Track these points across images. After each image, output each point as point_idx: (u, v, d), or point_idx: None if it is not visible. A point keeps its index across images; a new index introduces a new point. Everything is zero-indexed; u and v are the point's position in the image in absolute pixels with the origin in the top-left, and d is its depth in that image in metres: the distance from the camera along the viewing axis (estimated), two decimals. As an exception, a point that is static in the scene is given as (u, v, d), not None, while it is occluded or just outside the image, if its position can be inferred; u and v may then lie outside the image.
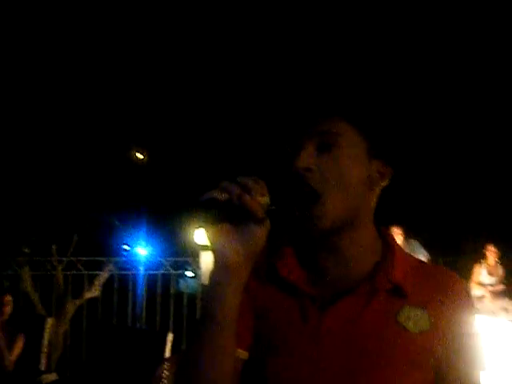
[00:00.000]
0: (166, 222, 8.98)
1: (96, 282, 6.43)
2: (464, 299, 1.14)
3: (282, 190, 1.07)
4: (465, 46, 9.03)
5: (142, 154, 11.22)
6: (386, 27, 8.60)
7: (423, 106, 9.07)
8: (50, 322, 4.68)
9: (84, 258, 5.90)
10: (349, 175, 1.10)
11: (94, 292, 6.37)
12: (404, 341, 1.09)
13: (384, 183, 1.16)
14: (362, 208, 1.13)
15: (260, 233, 1.01)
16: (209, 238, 1.00)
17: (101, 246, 7.65)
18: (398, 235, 6.79)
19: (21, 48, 7.53)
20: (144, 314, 6.14)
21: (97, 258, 6.27)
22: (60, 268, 6.17)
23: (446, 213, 10.81)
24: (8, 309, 4.37)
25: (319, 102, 1.14)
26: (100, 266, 6.28)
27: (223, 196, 0.96)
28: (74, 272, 5.87)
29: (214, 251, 1.01)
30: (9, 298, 4.41)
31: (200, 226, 1.02)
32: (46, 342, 4.53)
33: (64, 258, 6.19)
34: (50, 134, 7.49)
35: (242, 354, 1.12)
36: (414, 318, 1.10)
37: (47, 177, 6.88)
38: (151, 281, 6.33)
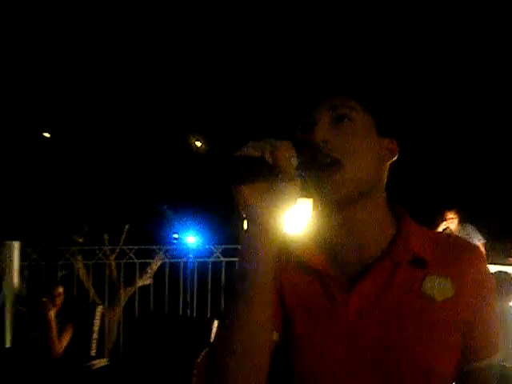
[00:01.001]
0: (215, 209, 9.01)
1: (148, 271, 6.54)
2: (482, 267, 1.16)
3: (303, 163, 1.05)
4: (469, 29, 8.83)
5: (200, 142, 11.24)
6: (395, 15, 8.52)
7: (428, 88, 8.97)
8: (100, 309, 4.77)
9: (135, 247, 5.97)
10: (362, 147, 1.12)
11: (145, 280, 6.48)
12: (432, 310, 1.10)
13: (393, 159, 1.19)
14: (374, 181, 1.16)
15: (291, 191, 1.01)
16: (241, 196, 1.00)
17: (152, 234, 7.76)
18: (453, 220, 6.65)
19: (71, 41, 7.68)
20: (195, 301, 6.19)
21: (148, 247, 6.34)
22: (112, 257, 6.29)
23: (503, 197, 10.47)
24: (60, 299, 4.47)
25: (332, 80, 1.18)
26: (151, 255, 6.37)
27: (257, 152, 0.96)
28: (126, 261, 5.95)
29: (246, 209, 1.01)
30: (61, 289, 4.51)
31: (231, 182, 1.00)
32: (96, 328, 4.62)
33: (116, 247, 6.31)
34: (103, 124, 7.62)
35: (274, 334, 1.11)
36: (438, 287, 1.12)
37: (100, 167, 7.01)
38: (202, 268, 6.37)
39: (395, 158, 1.19)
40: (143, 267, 6.41)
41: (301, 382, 1.12)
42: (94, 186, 6.90)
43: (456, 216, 6.69)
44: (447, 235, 1.24)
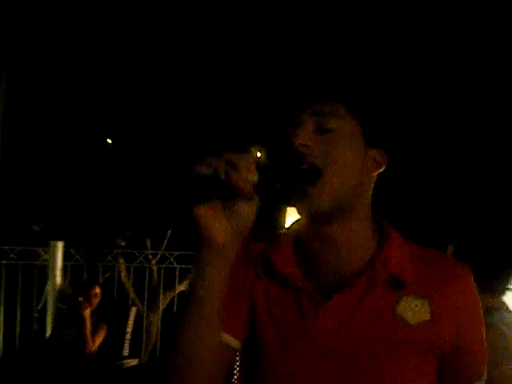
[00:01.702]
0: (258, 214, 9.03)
1: (188, 276, 6.65)
2: (467, 288, 1.11)
3: (280, 167, 1.06)
4: (460, 39, 8.59)
5: (260, 152, 11.30)
6: (383, 22, 8.36)
7: (420, 98, 8.71)
8: (134, 311, 4.92)
9: (176, 252, 6.10)
10: (345, 157, 1.08)
11: (185, 286, 6.59)
12: (404, 333, 1.06)
13: (379, 170, 1.14)
14: (357, 194, 1.11)
15: (248, 211, 0.97)
16: (195, 215, 0.95)
17: (192, 240, 7.88)
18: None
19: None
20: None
21: (189, 253, 6.46)
22: (154, 261, 6.45)
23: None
24: (96, 299, 4.63)
25: (320, 85, 1.14)
26: (192, 260, 6.46)
27: (209, 170, 0.92)
28: (167, 265, 6.08)
29: (199, 228, 0.96)
30: (98, 289, 4.68)
31: (186, 202, 0.96)
32: (129, 329, 4.77)
33: (158, 252, 6.47)
34: (149, 130, 7.78)
35: (234, 342, 1.11)
36: (413, 309, 1.07)
37: (144, 174, 7.18)
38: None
39: (381, 169, 1.14)
40: (183, 273, 6.53)
41: None
42: (139, 192, 7.08)
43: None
44: (435, 252, 1.17)
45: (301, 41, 7.94)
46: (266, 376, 1.11)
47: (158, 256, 6.39)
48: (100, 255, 5.82)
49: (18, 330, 5.47)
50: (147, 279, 6.24)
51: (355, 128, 1.10)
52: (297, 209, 1.11)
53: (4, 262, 5.49)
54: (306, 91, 1.13)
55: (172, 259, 6.08)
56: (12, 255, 5.48)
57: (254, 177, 0.93)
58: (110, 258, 5.89)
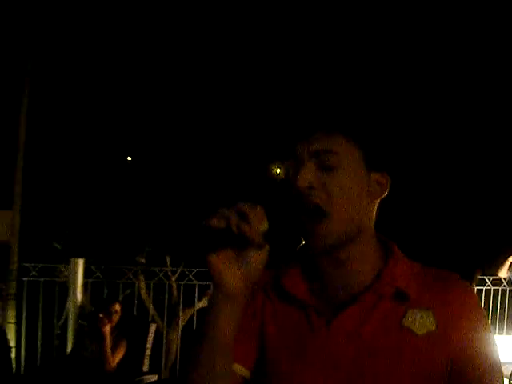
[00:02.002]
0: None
1: (207, 293, 6.67)
2: (469, 299, 1.14)
3: (285, 210, 1.11)
4: (456, 58, 8.61)
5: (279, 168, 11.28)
6: (380, 44, 8.40)
7: (418, 119, 8.71)
8: (153, 327, 4.94)
9: (196, 269, 6.13)
10: (350, 192, 1.11)
11: (204, 302, 6.61)
12: (411, 343, 1.09)
13: (383, 195, 1.17)
14: (363, 221, 1.15)
15: (259, 259, 1.03)
16: (209, 263, 1.02)
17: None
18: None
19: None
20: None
21: (208, 270, 6.48)
22: (174, 278, 6.48)
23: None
24: (116, 316, 4.67)
25: (317, 115, 1.16)
26: (211, 278, 6.48)
27: (221, 224, 0.97)
28: (186, 282, 6.11)
29: (213, 276, 1.03)
30: (117, 306, 4.72)
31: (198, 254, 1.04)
32: (149, 346, 4.79)
33: (177, 269, 6.49)
34: (168, 147, 7.85)
35: (243, 371, 1.17)
36: (419, 320, 1.11)
37: (163, 191, 7.25)
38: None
39: (386, 193, 1.17)
40: (203, 289, 6.54)
41: None
42: (158, 208, 7.14)
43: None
44: (435, 270, 1.21)
45: (294, 72, 8.01)
46: None
47: (178, 273, 6.41)
48: (120, 272, 5.87)
49: (39, 345, 5.52)
50: (167, 296, 6.27)
51: (356, 153, 1.12)
52: (307, 246, 1.14)
53: (26, 279, 5.58)
54: (305, 122, 1.15)
55: (191, 276, 6.11)
56: (33, 272, 5.56)
57: (264, 227, 1.00)
58: (130, 275, 5.93)
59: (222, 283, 1.03)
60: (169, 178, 7.30)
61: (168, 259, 6.73)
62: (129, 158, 8.82)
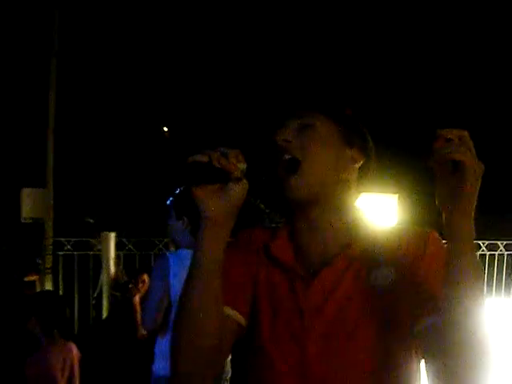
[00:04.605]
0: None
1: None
2: (427, 240, 1.25)
3: (263, 161, 1.25)
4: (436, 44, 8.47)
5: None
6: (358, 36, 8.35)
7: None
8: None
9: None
10: (322, 151, 1.27)
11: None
12: (378, 299, 1.22)
13: (355, 165, 1.31)
14: (333, 185, 1.28)
15: (238, 190, 1.15)
16: (195, 196, 1.14)
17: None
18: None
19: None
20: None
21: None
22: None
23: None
24: (144, 286, 4.81)
25: (302, 96, 1.34)
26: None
27: (204, 158, 1.11)
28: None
29: (198, 206, 1.15)
30: (145, 276, 4.85)
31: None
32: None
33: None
34: (205, 119, 7.91)
35: (239, 317, 1.27)
36: (384, 277, 1.23)
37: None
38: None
39: (358, 165, 1.31)
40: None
41: (260, 365, 1.27)
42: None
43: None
44: (401, 228, 1.33)
45: (283, 60, 8.07)
46: (257, 346, 1.27)
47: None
48: (151, 244, 6.02)
49: (76, 316, 5.76)
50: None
51: (332, 129, 1.29)
52: (284, 202, 1.29)
53: (61, 253, 5.81)
54: (290, 101, 1.33)
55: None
56: (68, 246, 5.78)
57: (242, 164, 1.14)
58: (160, 246, 6.08)
59: (205, 210, 1.14)
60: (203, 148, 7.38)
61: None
62: (165, 129, 8.86)
